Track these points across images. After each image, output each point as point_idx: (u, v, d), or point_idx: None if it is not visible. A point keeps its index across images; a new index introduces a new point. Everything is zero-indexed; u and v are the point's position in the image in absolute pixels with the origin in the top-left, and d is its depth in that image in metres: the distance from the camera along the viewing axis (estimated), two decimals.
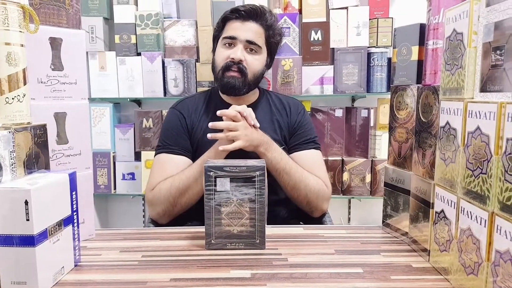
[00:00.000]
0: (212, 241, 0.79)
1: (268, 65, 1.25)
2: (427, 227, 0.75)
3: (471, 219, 0.59)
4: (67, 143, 0.84)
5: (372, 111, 1.69)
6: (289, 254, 0.77)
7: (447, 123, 0.67)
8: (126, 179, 1.79)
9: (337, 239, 0.87)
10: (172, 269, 0.71)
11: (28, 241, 0.61)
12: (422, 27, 0.81)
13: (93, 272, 0.71)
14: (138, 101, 1.86)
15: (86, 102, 0.88)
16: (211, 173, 0.78)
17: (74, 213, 0.73)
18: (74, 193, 0.73)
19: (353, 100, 1.84)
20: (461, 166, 0.62)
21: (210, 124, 1.03)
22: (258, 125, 1.07)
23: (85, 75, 0.89)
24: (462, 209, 0.62)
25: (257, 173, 0.78)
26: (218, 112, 1.03)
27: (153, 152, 1.22)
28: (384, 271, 0.71)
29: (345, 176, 1.72)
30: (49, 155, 0.78)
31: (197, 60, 1.73)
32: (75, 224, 0.74)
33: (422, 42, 0.81)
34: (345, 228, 0.96)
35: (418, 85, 0.82)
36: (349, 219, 1.92)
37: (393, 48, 0.90)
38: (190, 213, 1.10)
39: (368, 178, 1.71)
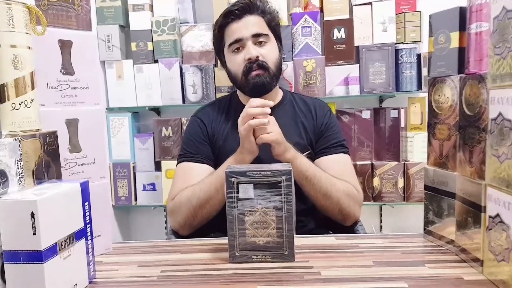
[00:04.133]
0: (236, 254, 0.74)
1: (280, 49, 1.19)
2: (479, 233, 0.66)
3: None
4: (81, 151, 0.80)
5: (402, 111, 1.61)
6: (322, 267, 0.70)
7: (500, 114, 0.59)
8: (146, 190, 1.76)
9: (374, 249, 0.79)
10: (194, 285, 0.66)
11: (36, 257, 0.56)
12: (462, 11, 0.73)
13: None
14: (156, 110, 1.84)
15: (99, 107, 0.84)
16: (233, 179, 0.72)
17: (88, 226, 0.69)
18: (86, 204, 0.69)
19: (381, 100, 1.76)
20: None
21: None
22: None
23: (97, 79, 0.85)
24: None
25: (283, 177, 0.72)
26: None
27: (174, 162, 1.21)
28: (432, 285, 0.63)
29: (376, 181, 1.64)
30: (61, 164, 0.74)
31: (215, 65, 1.69)
32: (89, 238, 0.69)
33: (463, 27, 0.73)
34: (382, 237, 0.88)
35: (460, 75, 0.74)
36: (380, 227, 1.83)
37: (428, 36, 0.82)
38: (212, 223, 1.06)
39: (400, 183, 1.62)
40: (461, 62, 0.74)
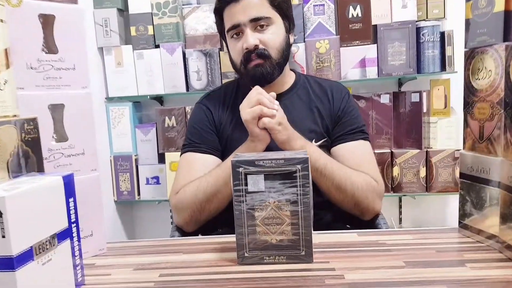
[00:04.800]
0: (246, 254, 0.66)
1: (289, 29, 1.09)
2: None
3: None
4: (67, 141, 0.72)
5: (424, 94, 1.52)
6: (345, 269, 0.62)
7: None
8: (150, 184, 1.72)
9: (403, 247, 0.70)
10: None
11: (6, 264, 0.48)
12: None
13: None
14: (159, 98, 1.79)
15: (87, 91, 0.75)
16: (241, 169, 0.64)
17: (73, 225, 0.60)
18: (71, 200, 0.60)
19: (400, 84, 1.68)
20: None
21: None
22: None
23: (85, 59, 0.76)
24: None
25: (299, 166, 0.63)
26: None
27: (178, 153, 1.13)
28: None
29: (396, 170, 1.55)
30: (45, 156, 0.66)
31: (221, 49, 1.62)
32: (75, 238, 0.61)
33: None
34: (411, 232, 0.78)
35: (506, 43, 0.63)
36: (400, 219, 1.75)
37: (466, 1, 0.71)
38: (220, 217, 0.98)
39: (422, 172, 1.54)
40: (508, 28, 0.64)
